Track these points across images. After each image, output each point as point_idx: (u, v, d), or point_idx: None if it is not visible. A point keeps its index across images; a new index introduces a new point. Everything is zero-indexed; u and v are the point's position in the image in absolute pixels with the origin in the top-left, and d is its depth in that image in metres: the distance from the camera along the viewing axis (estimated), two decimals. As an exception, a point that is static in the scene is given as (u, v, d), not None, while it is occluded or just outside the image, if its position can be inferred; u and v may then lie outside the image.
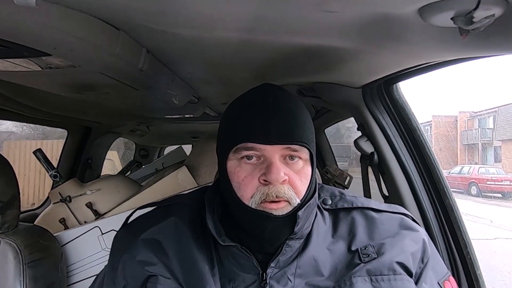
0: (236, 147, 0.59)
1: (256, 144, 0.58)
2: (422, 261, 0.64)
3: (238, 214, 0.61)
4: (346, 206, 0.68)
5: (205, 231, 0.64)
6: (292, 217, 0.59)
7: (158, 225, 0.66)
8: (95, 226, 1.24)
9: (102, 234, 1.23)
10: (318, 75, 1.03)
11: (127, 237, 0.68)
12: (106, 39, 0.71)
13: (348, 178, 1.47)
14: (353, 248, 0.63)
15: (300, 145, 0.59)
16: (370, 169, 1.15)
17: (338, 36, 0.69)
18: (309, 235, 0.64)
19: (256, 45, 0.79)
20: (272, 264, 0.60)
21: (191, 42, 0.79)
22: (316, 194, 0.64)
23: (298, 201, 0.59)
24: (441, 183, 0.99)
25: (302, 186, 0.60)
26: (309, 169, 0.61)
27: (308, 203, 0.61)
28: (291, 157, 0.59)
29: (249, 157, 0.59)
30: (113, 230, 1.21)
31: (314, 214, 0.65)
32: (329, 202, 0.69)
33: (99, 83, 0.98)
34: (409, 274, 0.61)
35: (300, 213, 0.59)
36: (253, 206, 0.58)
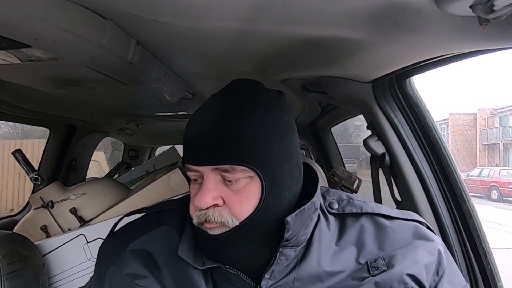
0: (185, 166, 0.62)
1: (190, 165, 0.60)
2: (437, 274, 0.63)
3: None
4: (354, 211, 0.68)
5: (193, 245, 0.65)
6: (239, 231, 0.59)
7: (148, 234, 0.66)
8: (80, 234, 1.24)
9: (88, 242, 1.23)
10: (324, 68, 1.03)
11: (114, 247, 0.68)
12: (92, 29, 0.71)
13: (356, 181, 1.47)
14: (361, 261, 0.63)
15: (229, 164, 0.57)
16: (381, 172, 1.15)
17: (346, 26, 0.69)
18: (310, 242, 0.64)
19: (256, 36, 0.80)
20: (266, 276, 0.61)
21: (185, 33, 0.79)
22: (316, 199, 0.64)
23: (237, 222, 0.59)
24: (459, 187, 0.99)
25: (242, 207, 0.59)
26: (254, 187, 0.59)
27: (302, 208, 0.61)
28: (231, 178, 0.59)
29: (195, 180, 0.62)
30: (99, 238, 1.21)
31: (315, 219, 0.65)
32: (336, 206, 0.69)
33: (84, 78, 0.98)
34: (422, 287, 0.61)
35: (289, 218, 0.59)
36: (194, 224, 0.62)
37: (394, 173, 1.09)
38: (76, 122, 2.13)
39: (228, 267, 0.61)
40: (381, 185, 1.18)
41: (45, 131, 2.19)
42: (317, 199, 0.64)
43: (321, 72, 1.08)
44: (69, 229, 1.38)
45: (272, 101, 0.63)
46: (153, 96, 1.24)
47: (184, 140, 0.62)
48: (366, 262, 0.62)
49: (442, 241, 0.68)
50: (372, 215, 0.68)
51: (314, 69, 1.07)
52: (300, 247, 0.63)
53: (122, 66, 0.89)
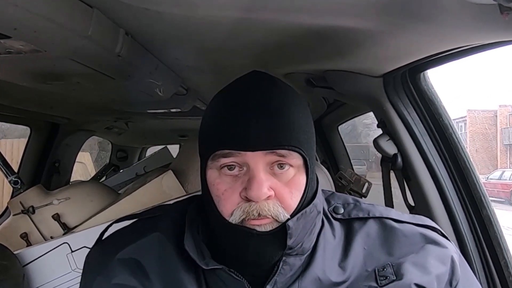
0: (213, 154, 0.59)
1: (235, 151, 0.58)
2: (451, 284, 0.64)
3: (218, 230, 0.62)
4: (361, 215, 0.68)
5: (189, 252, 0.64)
6: (282, 232, 0.59)
7: (138, 242, 0.67)
8: (64, 243, 1.24)
9: (72, 251, 1.23)
10: (331, 61, 1.03)
11: (102, 256, 0.68)
12: (76, 19, 0.71)
13: (366, 184, 1.47)
14: (369, 268, 0.63)
15: (288, 149, 0.58)
16: (392, 174, 1.15)
17: (355, 15, 0.69)
18: (314, 250, 0.64)
19: (256, 26, 0.79)
20: (268, 287, 0.61)
21: (179, 23, 0.79)
22: (317, 201, 0.64)
23: (288, 216, 0.59)
24: (478, 191, 0.99)
25: (293, 200, 0.60)
26: (302, 178, 0.61)
27: (303, 211, 0.61)
28: (280, 166, 0.59)
29: (230, 167, 0.59)
30: (85, 247, 1.21)
31: (319, 226, 0.65)
32: (341, 211, 0.69)
33: (69, 71, 0.98)
34: None
35: (291, 223, 0.59)
36: (233, 222, 0.59)
37: (407, 175, 1.09)
38: (60, 120, 2.13)
39: (233, 271, 0.60)
40: (393, 189, 1.18)
41: (26, 130, 2.19)
42: (319, 201, 0.65)
43: (327, 66, 1.08)
44: (51, 237, 1.38)
45: (298, 94, 0.66)
46: (143, 91, 1.24)
47: (221, 123, 0.60)
48: (374, 270, 0.63)
49: (456, 249, 0.68)
50: (381, 218, 0.68)
51: (319, 62, 1.07)
52: (305, 255, 0.63)
53: (110, 58, 0.89)
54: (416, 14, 0.65)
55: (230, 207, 0.59)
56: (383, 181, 1.18)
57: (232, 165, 0.59)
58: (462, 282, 0.64)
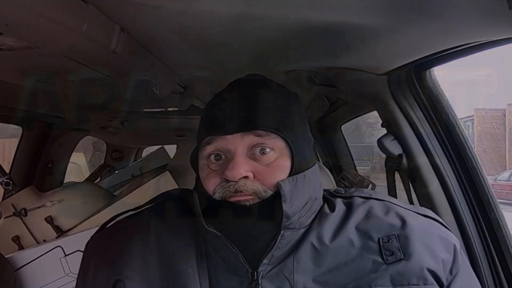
0: (201, 143, 0.66)
1: (216, 137, 0.64)
2: (451, 272, 0.65)
3: (208, 207, 0.65)
4: (363, 195, 0.71)
5: (189, 228, 0.68)
6: (271, 205, 0.61)
7: (136, 226, 0.70)
8: (57, 246, 1.24)
9: (66, 255, 1.23)
10: (334, 58, 1.03)
11: (99, 241, 0.72)
12: (70, 14, 0.71)
13: (370, 186, 1.47)
14: (372, 234, 0.64)
15: (263, 129, 0.62)
16: (397, 175, 1.15)
17: (359, 10, 0.69)
18: (311, 224, 0.66)
19: (256, 21, 0.80)
20: (265, 261, 0.62)
21: (176, 18, 0.79)
22: (310, 175, 0.66)
23: (270, 192, 0.62)
24: (486, 193, 0.99)
25: (276, 178, 0.63)
26: (285, 161, 0.64)
27: (294, 176, 0.63)
28: (262, 151, 0.63)
29: (217, 157, 0.65)
30: (78, 251, 1.21)
31: (317, 205, 0.68)
32: (343, 192, 0.73)
33: (62, 69, 0.98)
34: (440, 285, 0.62)
35: (282, 183, 0.61)
36: (217, 198, 0.64)
37: (412, 177, 1.09)
38: (53, 119, 2.13)
39: (230, 242, 0.62)
40: (397, 190, 1.18)
41: (18, 130, 2.19)
42: (312, 176, 0.67)
43: (330, 63, 1.08)
44: (44, 240, 1.38)
45: (288, 89, 0.71)
46: (139, 89, 1.24)
47: (208, 115, 0.68)
48: (378, 240, 0.64)
49: (458, 240, 0.69)
50: (383, 201, 0.71)
51: (321, 60, 1.07)
52: (302, 230, 0.65)
53: (105, 55, 0.89)
54: (421, 9, 0.65)
55: (212, 186, 0.64)
56: (387, 183, 1.18)
57: (218, 154, 0.65)
58: (462, 272, 0.65)
